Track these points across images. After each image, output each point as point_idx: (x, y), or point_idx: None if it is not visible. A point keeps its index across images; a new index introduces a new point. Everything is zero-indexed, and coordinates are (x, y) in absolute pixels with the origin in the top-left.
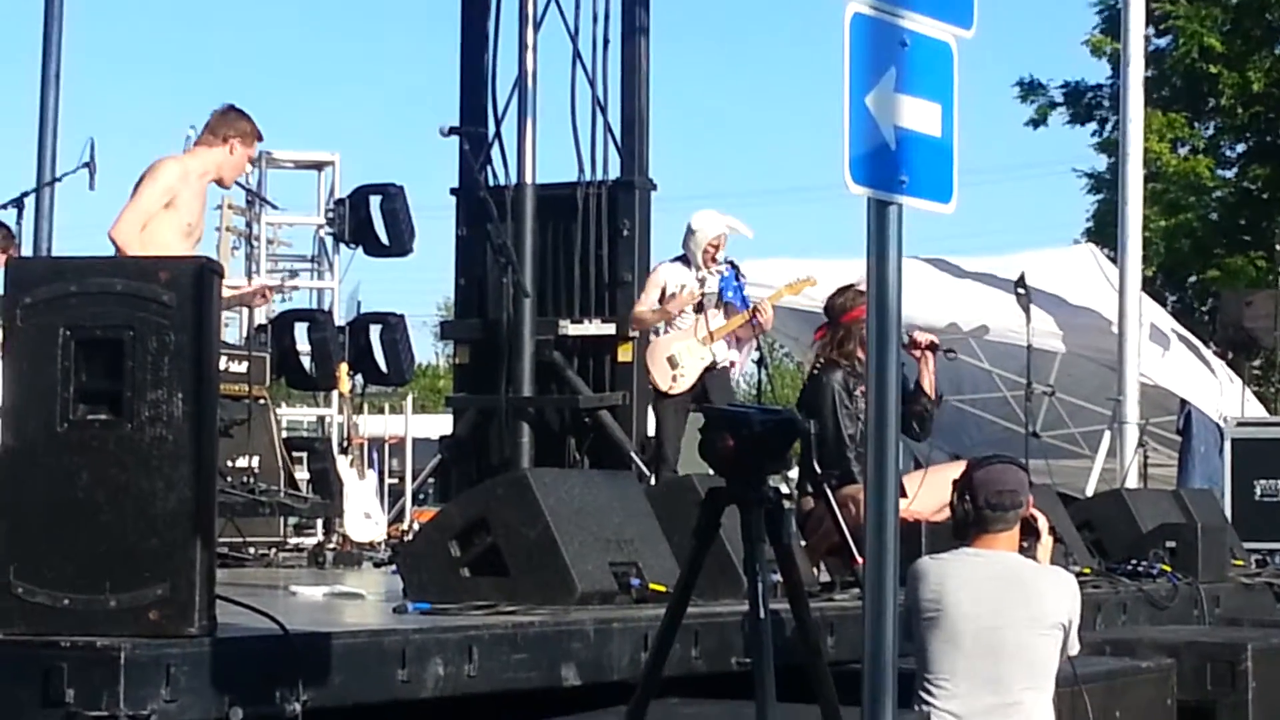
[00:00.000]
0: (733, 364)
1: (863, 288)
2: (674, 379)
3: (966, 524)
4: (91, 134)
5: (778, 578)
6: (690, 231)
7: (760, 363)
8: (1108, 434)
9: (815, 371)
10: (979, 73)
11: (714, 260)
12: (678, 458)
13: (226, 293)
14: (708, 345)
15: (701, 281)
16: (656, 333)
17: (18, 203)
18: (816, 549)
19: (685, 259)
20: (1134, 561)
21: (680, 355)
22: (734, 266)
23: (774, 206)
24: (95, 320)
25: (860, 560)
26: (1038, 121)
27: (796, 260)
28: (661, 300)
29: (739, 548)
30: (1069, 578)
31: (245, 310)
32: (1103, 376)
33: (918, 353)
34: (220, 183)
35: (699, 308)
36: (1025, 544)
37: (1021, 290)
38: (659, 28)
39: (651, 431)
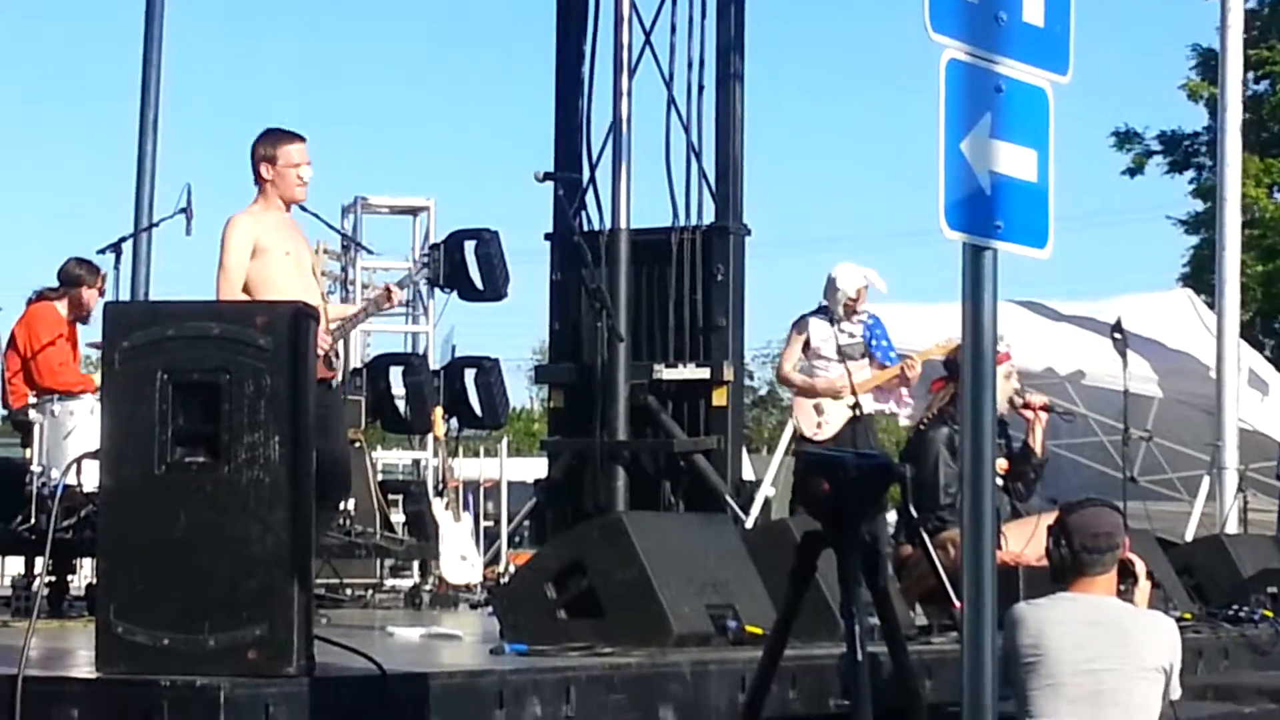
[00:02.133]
0: (889, 412)
1: None
2: (819, 425)
3: (1063, 568)
4: (189, 180)
5: (875, 621)
6: (831, 284)
7: (855, 408)
8: (1206, 479)
9: (922, 427)
10: (1074, 119)
11: (854, 312)
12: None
13: (337, 312)
14: (856, 394)
15: (848, 334)
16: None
17: (115, 248)
18: (913, 592)
19: (826, 310)
20: (1235, 607)
21: (826, 403)
22: (876, 319)
23: (870, 252)
24: (192, 364)
25: (958, 604)
26: (1134, 170)
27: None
28: (806, 350)
29: (835, 590)
30: (1169, 622)
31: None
32: (1201, 421)
33: (1030, 413)
34: (289, 201)
35: (843, 358)
36: (1123, 587)
37: (1118, 335)
38: (753, 70)
39: (746, 474)
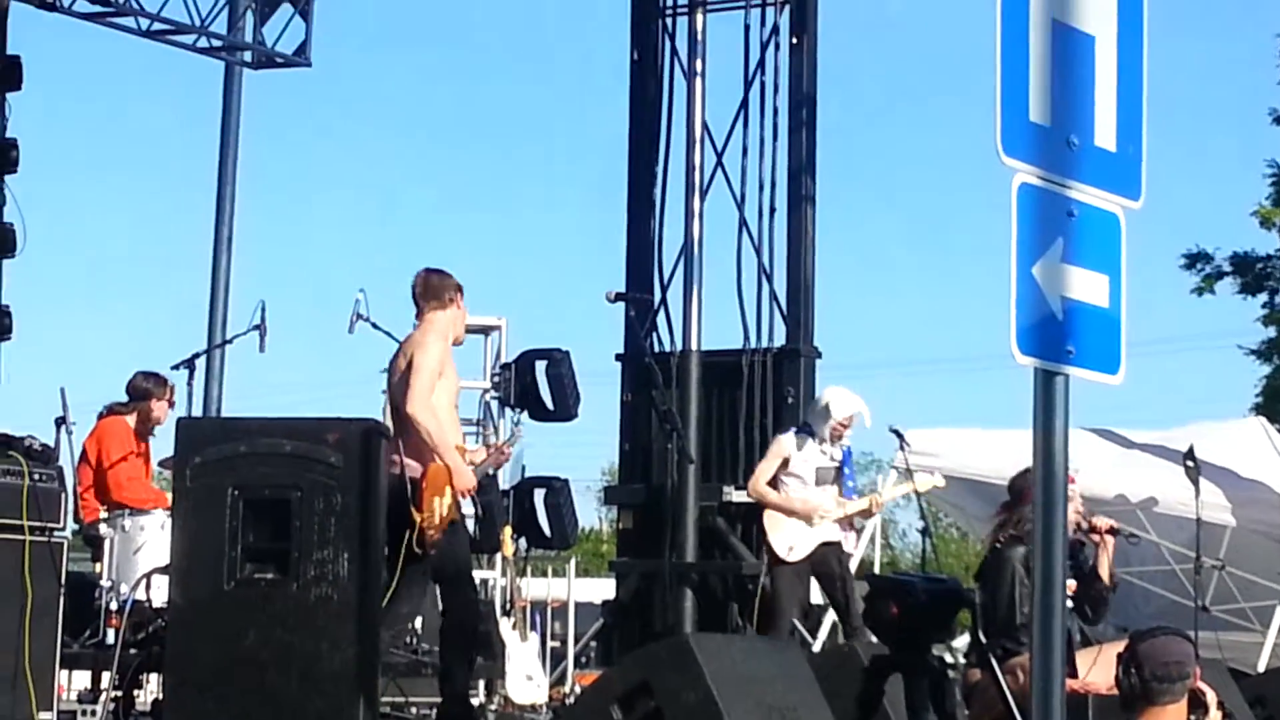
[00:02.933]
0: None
1: None
2: (790, 548)
3: (1133, 697)
4: (262, 297)
5: None
6: (823, 407)
7: (924, 531)
8: (1279, 610)
9: (998, 546)
10: (1143, 241)
11: (840, 438)
12: (792, 624)
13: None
14: (825, 520)
15: (828, 457)
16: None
17: (189, 364)
18: (981, 718)
19: (809, 430)
20: None
21: (798, 525)
22: (898, 435)
23: (941, 376)
24: (264, 480)
25: None
26: (1203, 290)
27: (966, 429)
28: (784, 468)
29: (903, 716)
30: None
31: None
32: (1274, 551)
33: (1097, 537)
34: (457, 341)
35: (819, 480)
36: (1193, 717)
37: (1190, 463)
38: (826, 190)
39: (815, 598)
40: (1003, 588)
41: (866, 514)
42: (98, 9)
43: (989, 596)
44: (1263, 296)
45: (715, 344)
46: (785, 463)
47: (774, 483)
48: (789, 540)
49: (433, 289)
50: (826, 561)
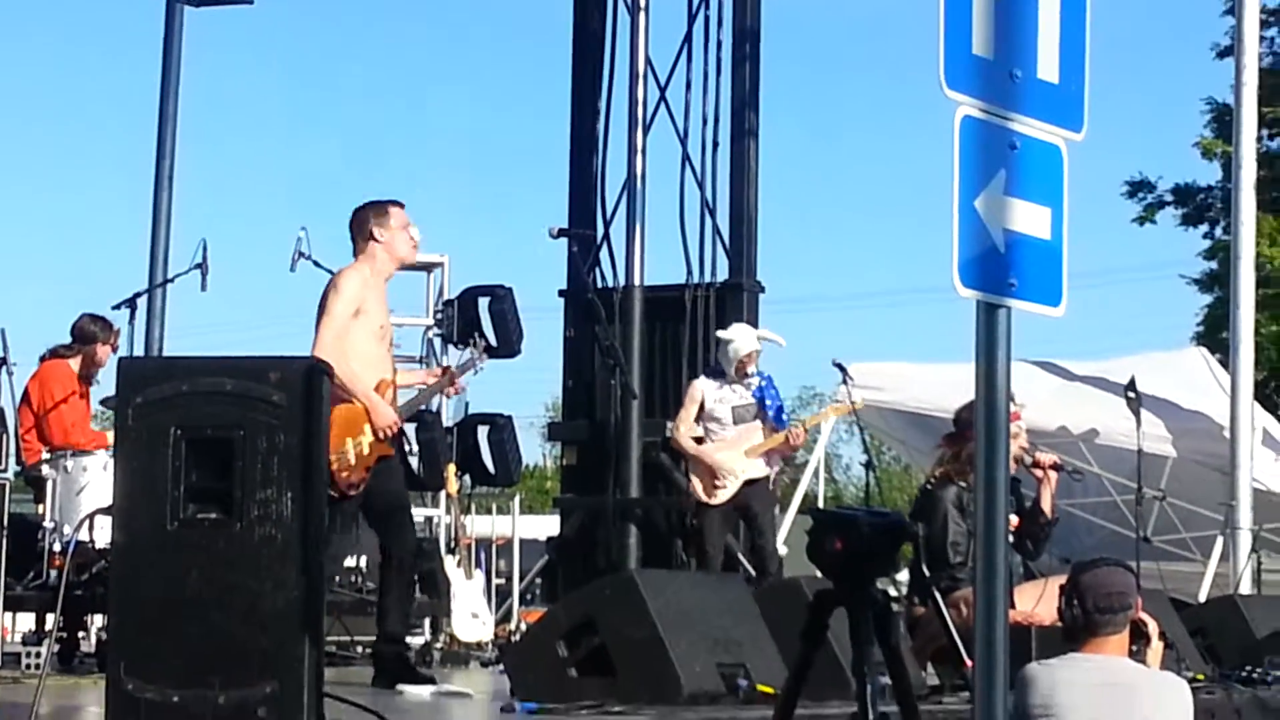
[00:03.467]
0: (770, 475)
1: None
2: (714, 489)
3: (1075, 628)
4: (204, 235)
5: (886, 680)
6: (722, 346)
7: (868, 465)
8: (1220, 539)
9: (930, 486)
10: (1084, 171)
11: (746, 374)
12: (719, 564)
13: (405, 384)
14: (748, 459)
15: (737, 395)
16: (699, 443)
17: (130, 303)
18: (926, 652)
19: (720, 371)
20: (1248, 668)
21: (721, 468)
22: (841, 369)
23: (883, 309)
24: (206, 420)
25: (969, 663)
26: (1145, 219)
27: (908, 363)
28: (700, 414)
29: (847, 650)
30: (1181, 682)
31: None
32: (1215, 481)
33: (1040, 472)
34: (402, 262)
35: (738, 419)
36: (1135, 648)
37: (1132, 394)
38: (768, 128)
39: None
40: (935, 525)
41: (789, 446)
42: None
43: (925, 534)
44: (1203, 227)
45: (658, 279)
46: (702, 407)
47: (695, 435)
48: (712, 482)
49: (355, 225)
50: (748, 502)
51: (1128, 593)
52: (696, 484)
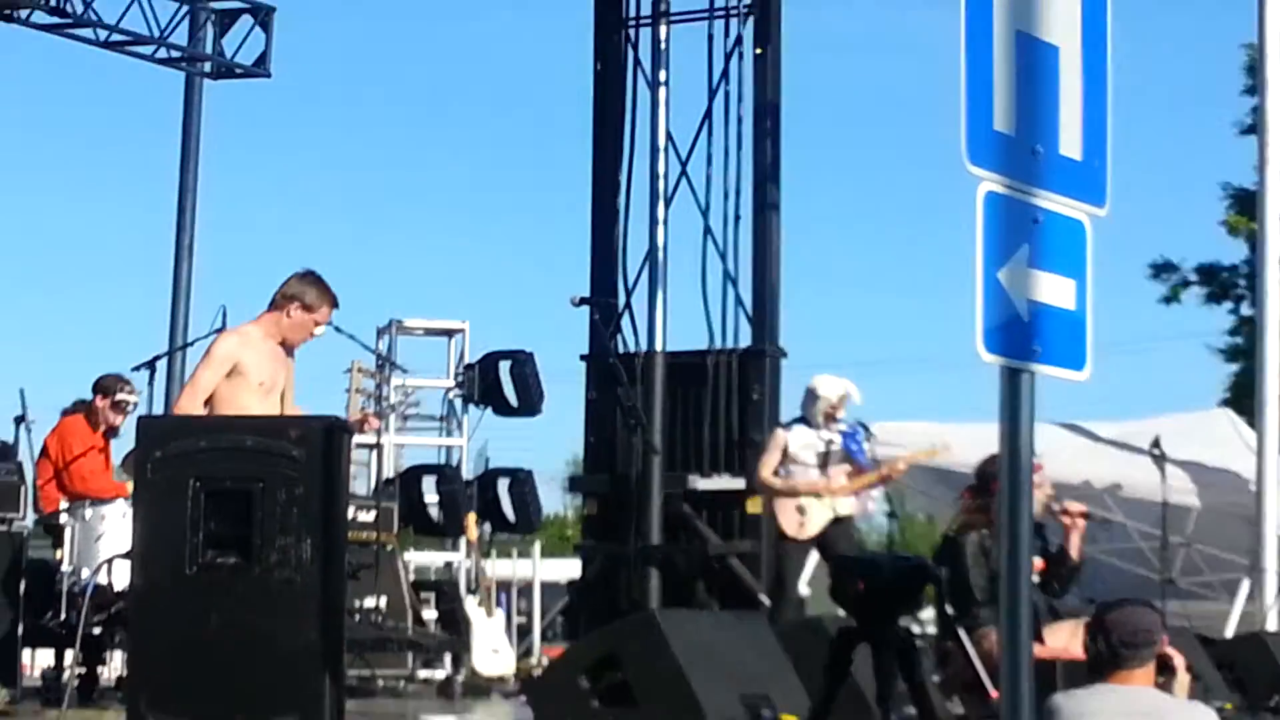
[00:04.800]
0: (855, 514)
1: None
2: (801, 525)
3: (1100, 662)
4: (224, 301)
5: (911, 711)
6: (812, 395)
7: (891, 515)
8: (1246, 581)
9: (951, 534)
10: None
11: (833, 420)
12: (798, 602)
13: None
14: (834, 499)
15: (826, 441)
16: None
17: (150, 365)
18: (953, 683)
19: (805, 420)
20: (1276, 700)
21: (808, 504)
22: (863, 426)
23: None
24: (225, 473)
25: (995, 693)
26: (1170, 299)
27: (934, 423)
28: (784, 460)
29: (870, 685)
30: (1209, 712)
31: (375, 464)
32: (1240, 528)
33: (1068, 519)
34: (285, 344)
35: (823, 464)
36: (1161, 680)
37: (1157, 450)
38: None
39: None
40: (959, 569)
41: (886, 480)
42: (56, 20)
43: (949, 577)
44: (1228, 304)
45: (680, 345)
46: (785, 453)
47: (778, 474)
48: (798, 517)
49: (286, 286)
50: (834, 540)
51: (1153, 629)
52: (783, 518)
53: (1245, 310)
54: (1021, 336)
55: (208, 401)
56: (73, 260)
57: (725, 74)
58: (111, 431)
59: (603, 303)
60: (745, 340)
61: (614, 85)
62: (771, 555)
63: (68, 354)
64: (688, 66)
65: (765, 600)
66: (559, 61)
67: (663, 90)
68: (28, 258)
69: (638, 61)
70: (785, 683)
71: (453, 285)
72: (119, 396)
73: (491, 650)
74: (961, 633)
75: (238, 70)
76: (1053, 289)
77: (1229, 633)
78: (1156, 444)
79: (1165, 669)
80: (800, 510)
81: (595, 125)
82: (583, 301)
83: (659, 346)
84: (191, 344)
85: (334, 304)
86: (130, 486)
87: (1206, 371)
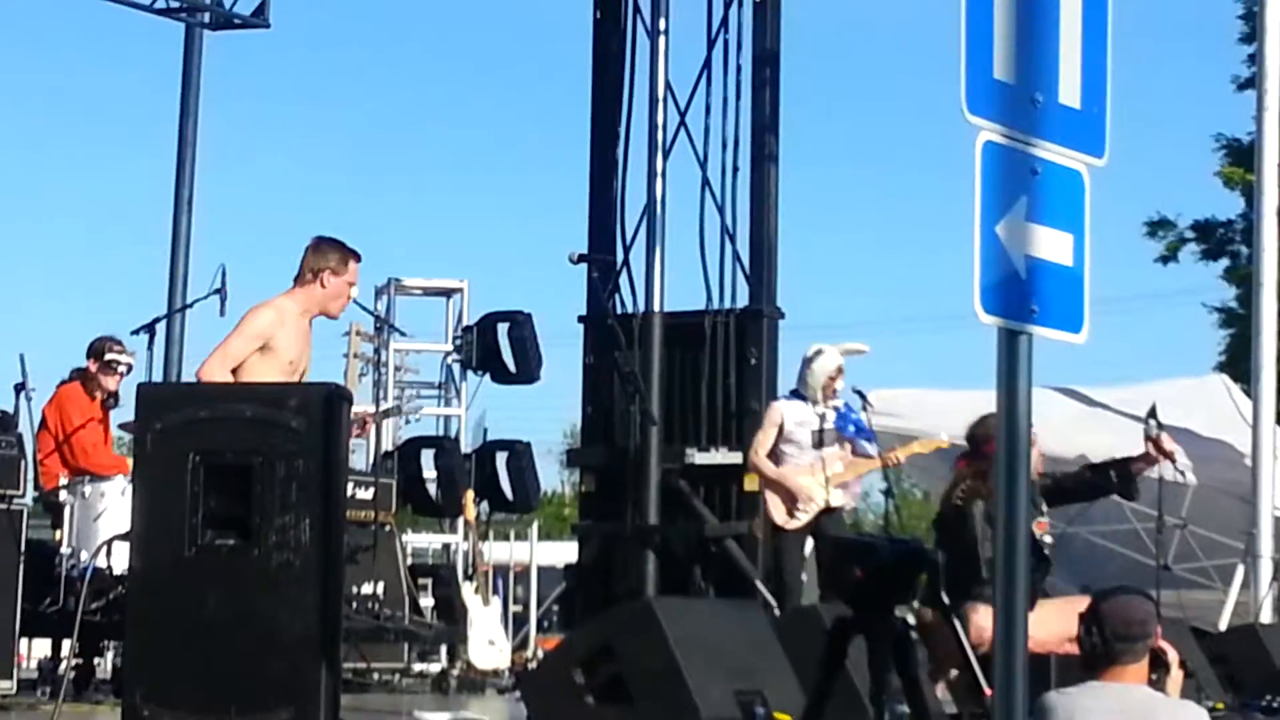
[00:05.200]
0: (845, 505)
1: None
2: (789, 515)
3: (1094, 657)
4: (223, 260)
5: (904, 709)
6: (806, 366)
7: (887, 493)
8: (1241, 567)
9: (959, 502)
10: (1108, 204)
11: (833, 394)
12: (800, 591)
13: None
14: (827, 486)
15: (821, 418)
16: (778, 464)
17: (149, 328)
18: (940, 672)
19: (801, 395)
20: (1268, 698)
21: (798, 495)
22: (860, 394)
23: (905, 336)
24: (225, 445)
25: (989, 690)
26: (1168, 258)
27: (928, 390)
28: (779, 437)
29: (865, 678)
30: (1201, 711)
31: (372, 436)
32: (1236, 509)
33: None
34: (327, 314)
35: (819, 443)
36: (1154, 676)
37: (1152, 421)
38: (789, 151)
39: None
40: (964, 543)
41: (885, 464)
42: None
43: (950, 551)
44: (1225, 261)
45: (678, 305)
46: (781, 429)
47: (774, 451)
48: (789, 507)
49: (311, 255)
50: (824, 530)
51: (1147, 621)
52: (773, 507)
53: (1242, 266)
54: (1019, 295)
55: (234, 371)
56: (71, 217)
57: (724, 22)
58: (111, 400)
59: (600, 260)
60: (743, 299)
61: (613, 35)
62: (769, 546)
63: (67, 317)
64: (687, 15)
65: (761, 586)
66: (559, 12)
67: (661, 39)
68: (24, 216)
69: (637, 10)
70: (780, 676)
71: (451, 243)
72: (107, 357)
73: (488, 641)
74: (957, 624)
75: (236, 20)
76: (1050, 244)
77: (1223, 624)
78: (1153, 413)
79: (1159, 664)
80: (791, 500)
81: (594, 76)
82: (581, 259)
83: (656, 306)
84: (191, 305)
85: (358, 258)
86: (130, 462)
87: (1202, 332)
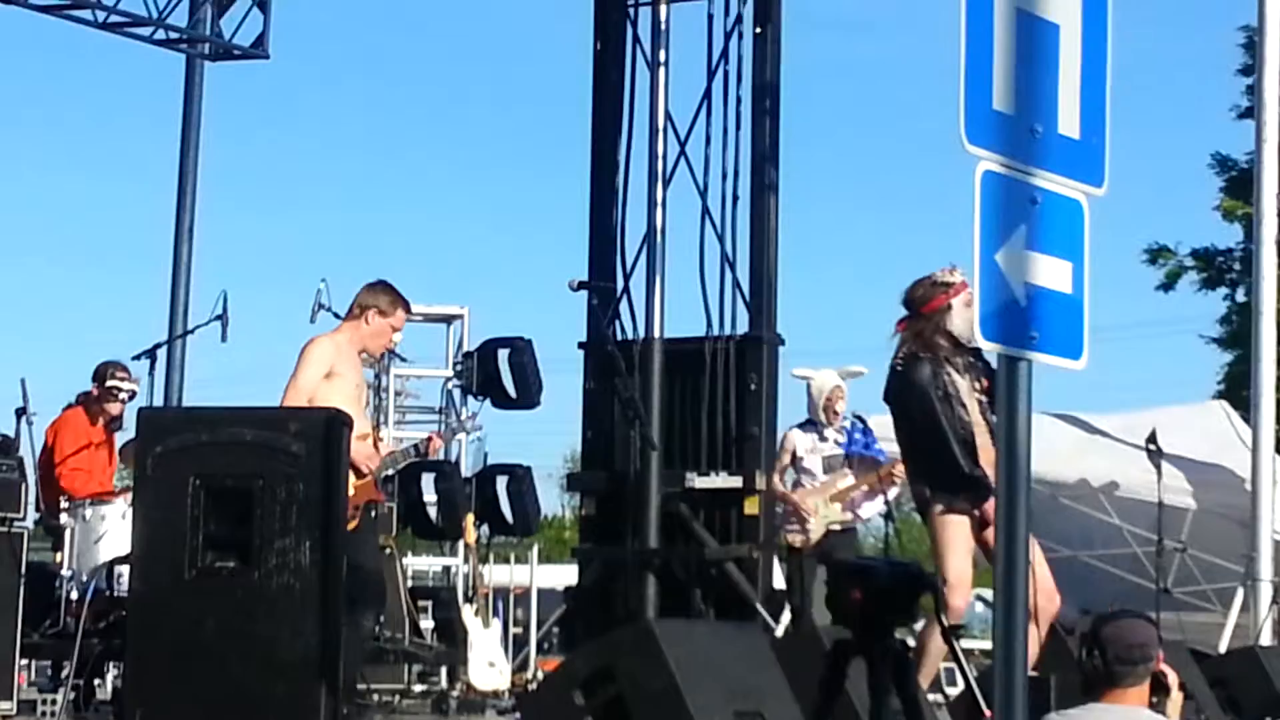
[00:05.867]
0: (862, 518)
1: (940, 278)
2: (798, 536)
3: (1096, 679)
4: (224, 287)
5: None
6: (809, 389)
7: (887, 516)
8: (1240, 591)
9: (900, 368)
10: (1107, 233)
11: (836, 414)
12: (810, 613)
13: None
14: (835, 505)
15: (836, 443)
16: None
17: (150, 354)
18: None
19: (813, 423)
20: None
21: (807, 516)
22: (860, 420)
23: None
24: (225, 469)
25: (988, 712)
26: (1168, 285)
27: None
28: (793, 463)
29: (865, 699)
30: None
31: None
32: (1235, 533)
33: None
34: (366, 352)
35: (829, 469)
36: (1155, 700)
37: (1153, 447)
38: (788, 181)
39: (778, 584)
40: (913, 410)
41: (888, 480)
42: (54, 2)
43: (901, 423)
44: (1223, 290)
45: (678, 331)
46: (794, 457)
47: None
48: (797, 527)
49: (365, 294)
50: (833, 549)
51: (1149, 645)
52: (785, 528)
53: (1240, 297)
54: (1019, 322)
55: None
56: (73, 244)
57: (725, 53)
58: (115, 424)
59: (601, 287)
60: (743, 326)
61: (613, 65)
62: (787, 567)
63: (69, 343)
64: (687, 46)
65: (761, 609)
66: (559, 42)
67: (662, 70)
68: (27, 245)
69: (638, 41)
70: (779, 697)
71: (452, 270)
72: (109, 383)
73: (488, 663)
74: (954, 644)
75: (236, 51)
76: (1050, 272)
77: (1223, 647)
78: (1153, 439)
79: (1159, 688)
80: (801, 521)
81: (595, 105)
82: (581, 286)
83: (656, 333)
84: (193, 331)
85: (407, 309)
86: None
87: (1200, 360)
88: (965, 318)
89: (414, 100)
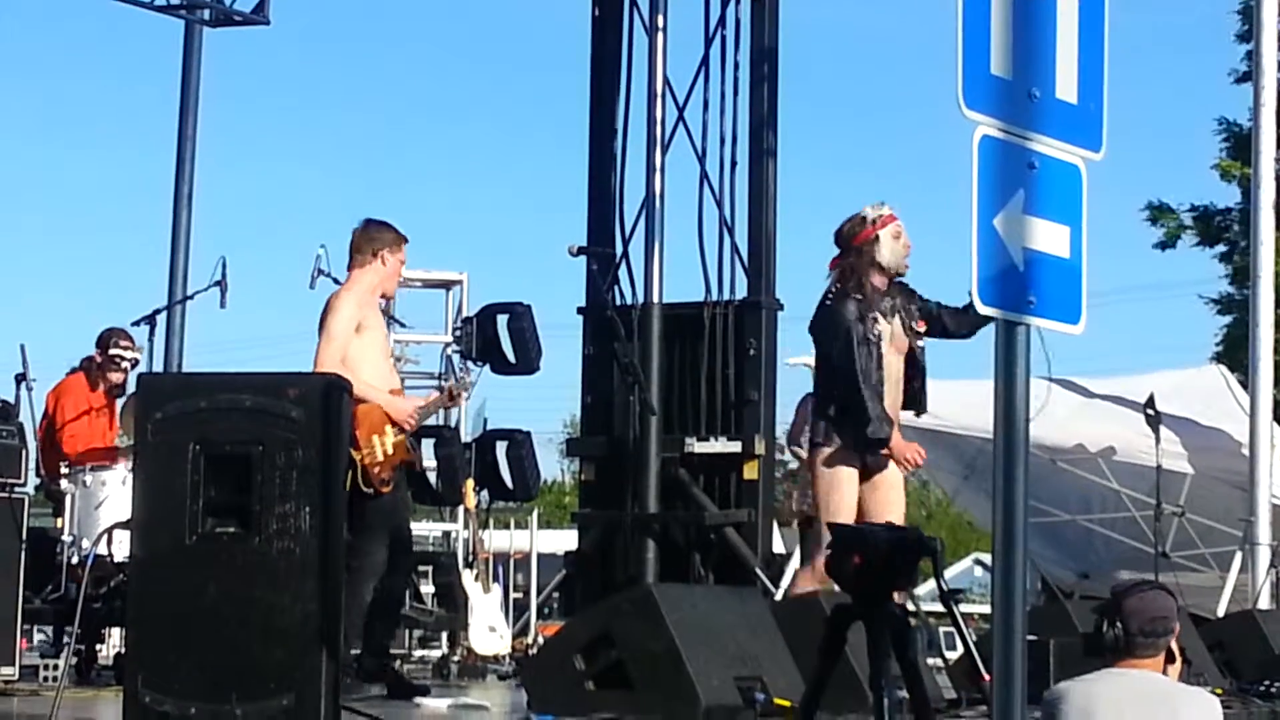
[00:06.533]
0: None
1: (867, 212)
2: (799, 501)
3: (1115, 649)
4: (223, 253)
5: (904, 694)
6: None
7: None
8: (1239, 554)
9: (828, 303)
10: (1105, 194)
11: None
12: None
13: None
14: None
15: None
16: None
17: (149, 320)
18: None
19: None
20: (1266, 683)
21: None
22: None
23: None
24: (225, 435)
25: (987, 676)
26: (1166, 244)
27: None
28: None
29: (864, 664)
30: (1213, 699)
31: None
32: (1233, 497)
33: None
34: (384, 296)
35: None
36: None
37: (1151, 412)
38: (786, 145)
39: (777, 548)
40: (836, 345)
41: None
42: None
43: (819, 359)
44: (1222, 248)
45: (677, 296)
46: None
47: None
48: (797, 493)
49: (355, 245)
50: None
51: (1170, 617)
52: (794, 495)
53: (1238, 257)
54: (1017, 286)
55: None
56: (71, 211)
57: (723, 19)
58: (116, 390)
59: (599, 252)
60: (742, 291)
61: (611, 31)
62: (767, 526)
63: (69, 309)
64: (685, 11)
65: (761, 573)
66: (557, 8)
67: (659, 36)
68: (25, 210)
69: (635, 6)
70: (779, 662)
71: (450, 235)
72: (112, 351)
73: (488, 628)
74: (955, 610)
75: (236, 17)
76: (1048, 236)
77: (1221, 610)
78: (1151, 403)
79: (1169, 657)
80: (802, 487)
81: (593, 71)
82: (580, 251)
83: (655, 298)
84: (192, 296)
85: (406, 240)
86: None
87: (1198, 323)
88: (893, 249)
89: (413, 65)
